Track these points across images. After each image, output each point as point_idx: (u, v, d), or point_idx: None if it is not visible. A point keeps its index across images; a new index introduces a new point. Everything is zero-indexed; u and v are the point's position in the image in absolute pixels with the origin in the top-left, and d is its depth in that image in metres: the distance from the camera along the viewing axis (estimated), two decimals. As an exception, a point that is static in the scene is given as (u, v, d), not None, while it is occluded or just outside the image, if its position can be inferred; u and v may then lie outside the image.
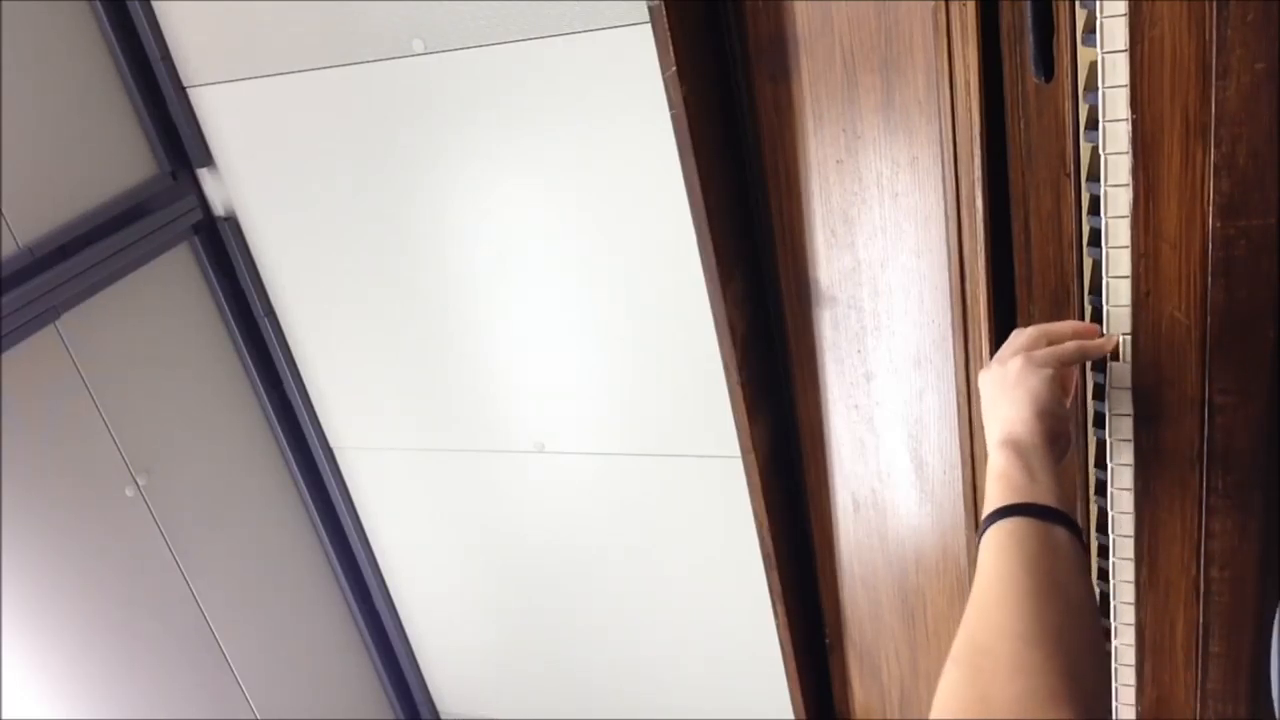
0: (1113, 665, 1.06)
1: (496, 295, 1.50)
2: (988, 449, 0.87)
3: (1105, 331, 0.93)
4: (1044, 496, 0.77)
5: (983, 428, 1.07)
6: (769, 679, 1.56)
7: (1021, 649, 0.64)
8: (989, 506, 0.79)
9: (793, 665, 1.31)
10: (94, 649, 1.42)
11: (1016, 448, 0.82)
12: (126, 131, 1.48)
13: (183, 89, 1.48)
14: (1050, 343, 0.91)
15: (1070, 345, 0.91)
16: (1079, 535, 0.76)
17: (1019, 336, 0.92)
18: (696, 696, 1.77)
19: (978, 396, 1.06)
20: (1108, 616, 1.05)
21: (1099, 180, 0.87)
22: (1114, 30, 0.81)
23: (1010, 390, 0.87)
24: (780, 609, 1.26)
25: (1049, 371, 0.87)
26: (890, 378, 1.12)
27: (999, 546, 0.74)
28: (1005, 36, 0.90)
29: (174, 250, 1.54)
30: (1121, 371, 0.93)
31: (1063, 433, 0.86)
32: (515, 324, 1.51)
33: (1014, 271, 0.99)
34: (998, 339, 1.02)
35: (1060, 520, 0.76)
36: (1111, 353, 0.93)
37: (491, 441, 1.64)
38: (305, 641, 1.80)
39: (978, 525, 1.13)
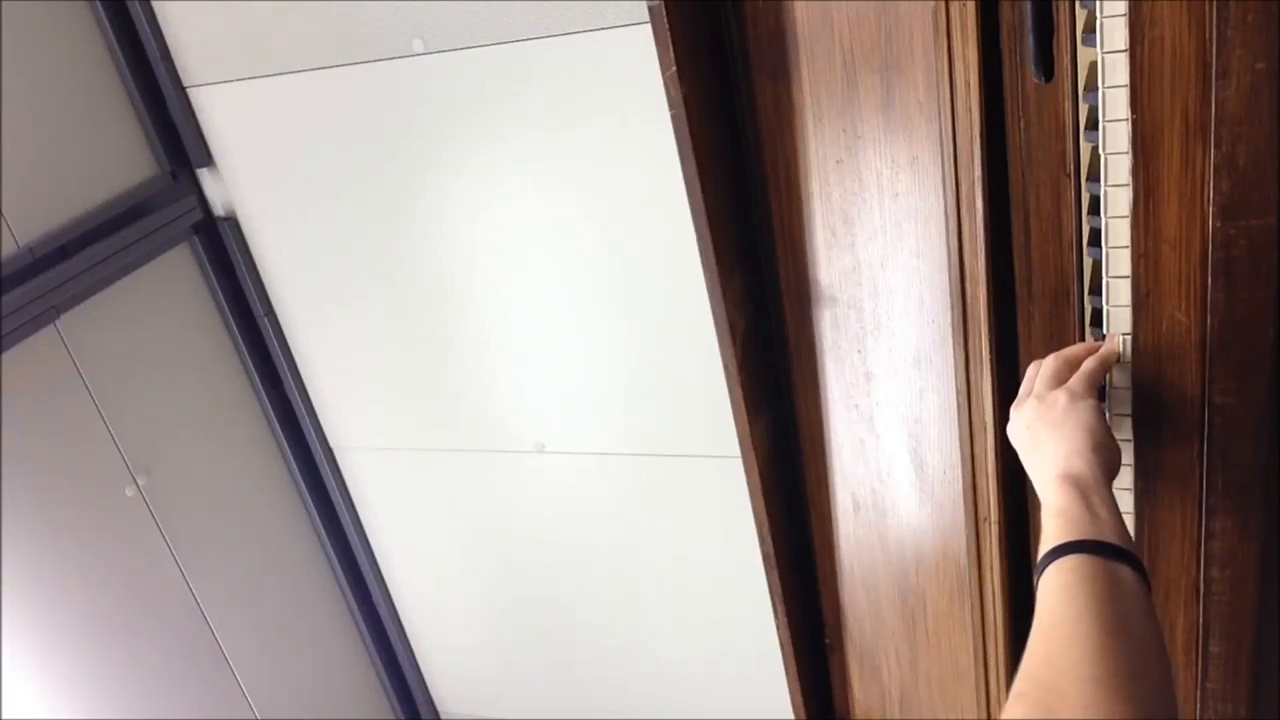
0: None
1: (496, 295, 1.50)
2: (1037, 486, 0.85)
3: (1106, 332, 0.93)
4: (1108, 534, 0.75)
5: (983, 429, 1.07)
6: (769, 679, 1.56)
7: (1093, 691, 0.63)
8: (1048, 543, 0.76)
9: (793, 665, 1.31)
10: (94, 648, 1.42)
11: (1076, 483, 0.80)
12: (126, 131, 1.48)
13: (183, 89, 1.48)
14: (1072, 367, 0.90)
15: (1091, 362, 0.90)
16: (1144, 574, 0.74)
17: (1044, 369, 0.91)
18: (696, 696, 1.77)
19: (978, 396, 1.06)
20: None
21: (1099, 180, 0.87)
22: (1114, 30, 0.81)
23: (1059, 425, 0.85)
24: (780, 609, 1.26)
25: (1094, 402, 0.86)
26: (890, 378, 1.12)
27: (1063, 585, 0.72)
28: (1005, 36, 0.89)
29: (174, 250, 1.54)
30: (1121, 371, 0.93)
31: (1116, 465, 0.85)
32: (515, 324, 1.51)
33: (1014, 271, 0.99)
34: (998, 339, 1.02)
35: (1125, 559, 0.73)
36: None
37: (491, 441, 1.64)
38: (305, 641, 1.80)
39: (978, 526, 1.14)
